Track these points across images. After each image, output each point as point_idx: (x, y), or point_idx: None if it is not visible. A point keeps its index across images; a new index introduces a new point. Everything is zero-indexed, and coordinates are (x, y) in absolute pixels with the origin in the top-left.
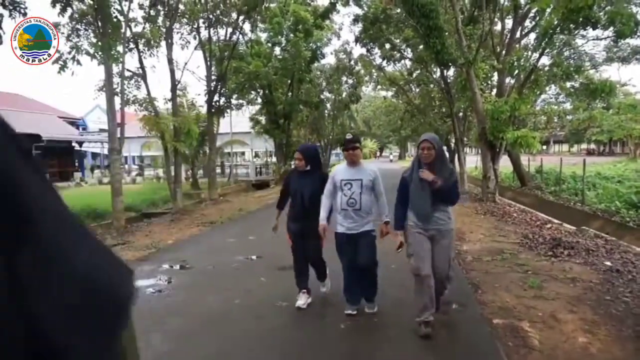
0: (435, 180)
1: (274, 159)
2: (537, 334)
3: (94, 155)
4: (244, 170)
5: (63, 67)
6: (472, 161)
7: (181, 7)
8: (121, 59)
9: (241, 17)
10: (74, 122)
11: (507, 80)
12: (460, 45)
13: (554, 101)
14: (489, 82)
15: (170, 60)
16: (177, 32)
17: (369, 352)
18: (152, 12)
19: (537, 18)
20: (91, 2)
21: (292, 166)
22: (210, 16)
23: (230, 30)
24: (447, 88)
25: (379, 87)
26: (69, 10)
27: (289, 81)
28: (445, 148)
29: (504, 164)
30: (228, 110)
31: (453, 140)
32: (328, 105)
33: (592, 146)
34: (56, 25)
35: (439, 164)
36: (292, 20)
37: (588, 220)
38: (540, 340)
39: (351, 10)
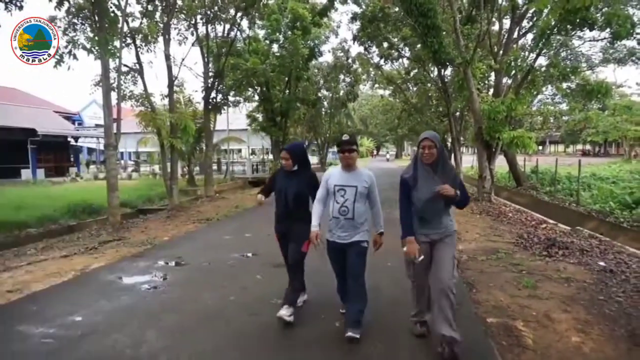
0: (455, 195)
1: (271, 157)
2: (530, 333)
3: (90, 151)
4: (240, 168)
5: (59, 62)
6: (468, 161)
7: (179, 2)
8: (118, 54)
9: (239, 14)
10: (70, 117)
11: (504, 80)
12: (458, 45)
13: (550, 102)
14: (486, 82)
15: (167, 56)
16: (175, 28)
17: (363, 351)
18: (150, 7)
19: (535, 18)
20: None
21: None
22: (208, 12)
23: (228, 26)
24: (444, 87)
25: (376, 85)
26: (66, 4)
27: (287, 79)
28: None
29: (500, 164)
30: (225, 107)
31: (450, 140)
32: (325, 103)
33: (588, 147)
34: (53, 19)
35: (441, 165)
36: (290, 18)
37: (583, 220)
38: (534, 339)
39: (349, 9)
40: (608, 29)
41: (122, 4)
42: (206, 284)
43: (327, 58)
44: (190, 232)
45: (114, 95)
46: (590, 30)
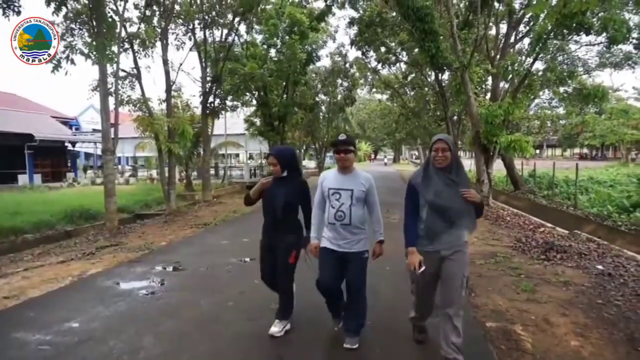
0: (481, 201)
1: None
2: (529, 337)
3: (87, 156)
4: (238, 172)
5: (57, 67)
6: (466, 165)
7: (177, 7)
8: (116, 59)
9: (237, 19)
10: (67, 122)
11: (501, 84)
12: (455, 49)
13: (548, 106)
14: (484, 86)
15: (165, 61)
16: (173, 33)
17: (362, 355)
18: (148, 13)
19: (532, 23)
20: (86, 2)
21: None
22: (206, 17)
23: (225, 31)
24: (442, 92)
25: (374, 90)
26: (64, 10)
27: (284, 83)
28: None
29: (498, 168)
30: (223, 112)
31: None
32: (323, 107)
33: (585, 151)
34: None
35: (455, 169)
36: (288, 23)
37: (580, 224)
38: (533, 343)
39: (347, 13)
40: (604, 34)
41: (120, 9)
42: (204, 289)
43: (324, 62)
44: (188, 237)
45: (111, 100)
46: (587, 35)
